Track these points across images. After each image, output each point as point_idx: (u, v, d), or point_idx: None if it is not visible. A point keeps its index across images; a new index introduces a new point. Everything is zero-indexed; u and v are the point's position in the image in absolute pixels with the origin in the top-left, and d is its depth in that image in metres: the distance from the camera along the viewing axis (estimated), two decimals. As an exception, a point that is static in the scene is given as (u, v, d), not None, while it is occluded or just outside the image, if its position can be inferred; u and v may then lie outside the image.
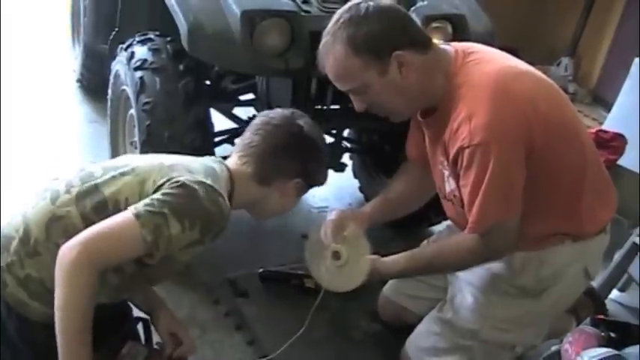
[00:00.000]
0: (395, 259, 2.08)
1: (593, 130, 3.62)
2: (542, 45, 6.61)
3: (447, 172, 1.97)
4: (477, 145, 1.75)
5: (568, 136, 1.91)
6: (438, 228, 3.34)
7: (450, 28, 2.90)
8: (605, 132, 3.59)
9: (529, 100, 1.80)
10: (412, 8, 2.88)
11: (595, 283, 2.87)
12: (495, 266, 2.06)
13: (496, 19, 3.18)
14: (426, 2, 2.94)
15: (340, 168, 3.32)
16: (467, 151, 1.77)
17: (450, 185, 1.98)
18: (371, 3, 1.82)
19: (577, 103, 5.88)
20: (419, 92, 1.89)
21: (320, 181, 1.98)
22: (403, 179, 2.31)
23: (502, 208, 1.82)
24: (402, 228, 3.24)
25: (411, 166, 2.29)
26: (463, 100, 1.80)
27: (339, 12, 1.86)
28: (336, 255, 2.10)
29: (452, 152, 1.83)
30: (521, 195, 1.83)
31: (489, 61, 1.89)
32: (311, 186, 1.96)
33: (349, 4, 1.86)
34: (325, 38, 1.86)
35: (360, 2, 1.83)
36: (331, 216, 2.16)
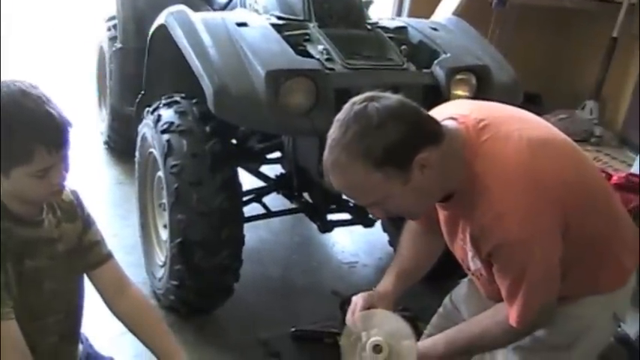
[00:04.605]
0: (433, 343, 2.00)
1: (623, 175, 3.59)
2: (566, 89, 6.60)
3: (471, 253, 1.89)
4: (513, 243, 1.69)
5: (597, 199, 1.85)
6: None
7: (474, 80, 2.90)
8: (635, 175, 3.55)
9: (560, 182, 1.73)
10: (435, 61, 2.89)
11: (631, 334, 2.81)
12: None
13: (518, 66, 3.18)
14: (449, 55, 2.94)
15: (369, 223, 3.28)
16: (503, 248, 1.71)
17: (475, 264, 1.91)
18: (377, 105, 1.64)
19: (604, 146, 5.84)
20: (439, 188, 1.79)
21: None
22: (411, 243, 2.21)
23: (545, 295, 1.78)
24: (432, 281, 3.18)
25: (416, 226, 2.19)
26: (489, 192, 1.71)
27: (342, 119, 1.65)
28: (377, 348, 1.90)
29: (484, 249, 1.76)
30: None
31: (506, 137, 1.77)
32: None
33: (354, 109, 1.64)
34: (335, 151, 1.65)
35: (366, 105, 1.64)
36: (356, 301, 2.07)
